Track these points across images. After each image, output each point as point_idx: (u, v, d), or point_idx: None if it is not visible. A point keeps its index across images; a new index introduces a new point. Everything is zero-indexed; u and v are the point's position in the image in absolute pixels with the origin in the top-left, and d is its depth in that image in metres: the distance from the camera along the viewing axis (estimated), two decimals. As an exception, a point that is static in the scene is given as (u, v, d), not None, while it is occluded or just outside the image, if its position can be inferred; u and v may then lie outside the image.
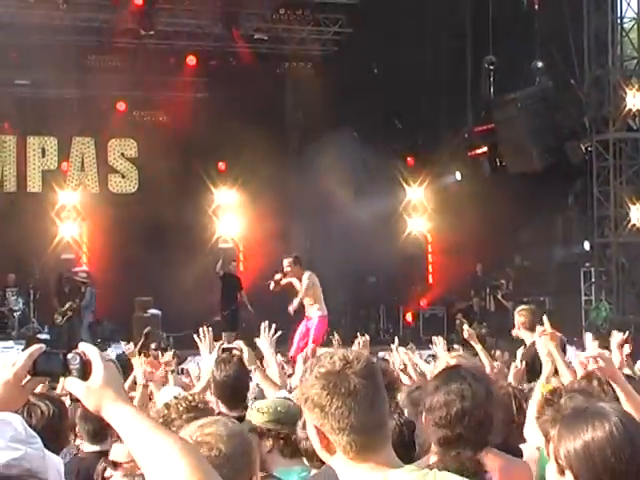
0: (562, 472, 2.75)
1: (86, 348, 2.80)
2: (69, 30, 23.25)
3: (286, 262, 16.80)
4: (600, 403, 2.86)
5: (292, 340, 16.59)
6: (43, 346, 2.85)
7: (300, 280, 16.68)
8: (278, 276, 16.98)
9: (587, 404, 2.83)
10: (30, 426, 2.94)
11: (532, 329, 10.09)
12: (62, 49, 23.30)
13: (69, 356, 2.77)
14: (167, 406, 5.28)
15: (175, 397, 5.13)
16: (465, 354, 6.64)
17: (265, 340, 8.03)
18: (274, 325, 8.33)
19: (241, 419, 5.89)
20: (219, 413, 6.49)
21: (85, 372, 2.75)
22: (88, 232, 25.86)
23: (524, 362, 8.42)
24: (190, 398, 5.33)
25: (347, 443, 2.94)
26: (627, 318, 22.97)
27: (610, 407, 2.82)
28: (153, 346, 18.01)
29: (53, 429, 5.10)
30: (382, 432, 3.00)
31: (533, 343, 10.21)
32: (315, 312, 16.49)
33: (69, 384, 2.77)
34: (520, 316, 10.55)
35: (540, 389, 5.52)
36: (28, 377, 2.85)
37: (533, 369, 8.98)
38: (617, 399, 4.79)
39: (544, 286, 25.95)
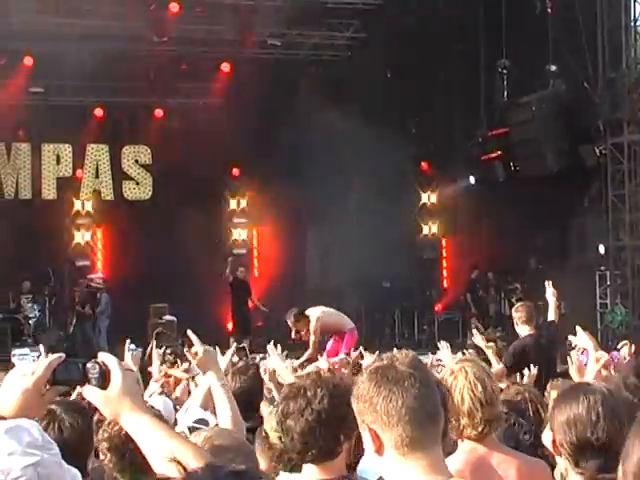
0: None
1: (105, 357, 2.82)
2: (82, 37, 23.28)
3: (290, 323, 15.85)
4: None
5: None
6: (63, 355, 2.87)
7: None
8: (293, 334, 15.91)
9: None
10: (60, 440, 2.95)
11: (528, 323, 10.51)
12: (75, 56, 23.38)
13: (88, 365, 2.79)
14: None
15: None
16: (470, 358, 6.59)
17: (276, 358, 7.92)
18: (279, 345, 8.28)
19: (254, 430, 5.90)
20: (201, 420, 6.52)
21: (104, 381, 2.77)
22: (103, 239, 25.94)
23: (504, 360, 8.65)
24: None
25: (398, 436, 2.90)
26: (643, 321, 22.95)
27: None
28: (169, 351, 18.04)
29: (80, 443, 5.09)
30: (435, 425, 2.95)
31: (526, 336, 10.59)
32: (347, 326, 15.89)
33: (87, 393, 2.80)
34: (517, 312, 11.13)
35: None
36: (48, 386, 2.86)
37: (522, 359, 9.72)
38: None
39: (559, 290, 25.81)
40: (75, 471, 2.93)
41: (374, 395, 2.93)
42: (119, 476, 4.61)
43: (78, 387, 2.87)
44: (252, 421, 6.28)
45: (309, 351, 14.61)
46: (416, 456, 2.90)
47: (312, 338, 14.91)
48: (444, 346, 9.66)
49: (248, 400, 6.52)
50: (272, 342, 8.18)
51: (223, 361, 7.29)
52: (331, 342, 15.31)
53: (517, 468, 4.59)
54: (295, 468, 4.19)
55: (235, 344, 8.30)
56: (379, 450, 2.94)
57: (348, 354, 13.42)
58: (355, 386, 3.02)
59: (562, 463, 3.74)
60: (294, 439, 3.86)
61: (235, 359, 8.09)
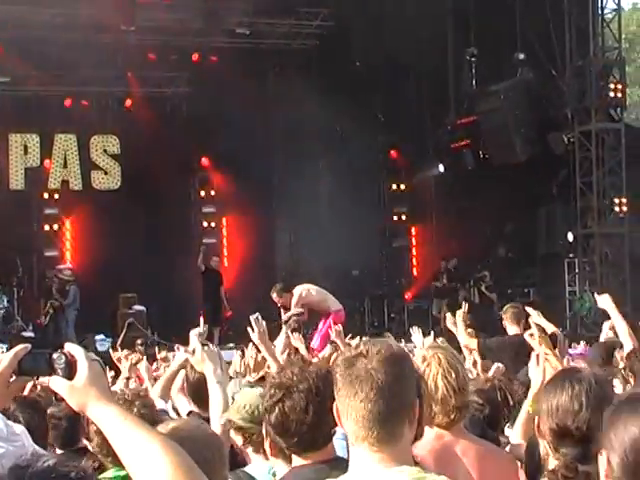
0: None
1: (72, 348, 2.80)
2: (49, 26, 23.13)
3: (275, 297, 16.15)
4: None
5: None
6: (29, 346, 2.85)
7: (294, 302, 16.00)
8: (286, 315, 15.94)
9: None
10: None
11: (518, 324, 10.71)
12: (43, 45, 23.24)
13: (54, 356, 2.78)
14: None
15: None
16: (441, 345, 6.61)
17: (257, 337, 7.83)
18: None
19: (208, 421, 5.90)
20: (191, 412, 6.51)
21: (70, 371, 2.76)
22: (71, 229, 25.80)
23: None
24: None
25: (349, 428, 3.04)
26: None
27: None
28: (139, 341, 18.05)
29: (37, 436, 5.09)
30: (386, 425, 3.01)
31: (515, 335, 10.72)
32: (332, 307, 16.09)
33: (54, 383, 2.78)
34: (505, 313, 11.18)
35: (527, 407, 5.44)
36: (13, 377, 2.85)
37: (517, 358, 9.50)
38: None
39: (528, 277, 26.02)
40: None
41: (339, 387, 3.07)
42: (104, 460, 4.60)
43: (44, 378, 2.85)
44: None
45: (292, 311, 15.24)
46: (362, 448, 3.02)
47: (293, 301, 15.53)
48: (416, 331, 9.75)
49: (207, 390, 6.50)
50: (257, 314, 8.10)
51: (183, 356, 7.28)
52: (320, 325, 15.51)
53: (482, 456, 4.60)
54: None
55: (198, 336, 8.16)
56: (342, 426, 3.11)
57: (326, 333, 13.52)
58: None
59: (542, 447, 3.77)
60: (300, 436, 3.92)
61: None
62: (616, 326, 7.71)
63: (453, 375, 4.57)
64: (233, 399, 5.28)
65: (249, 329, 7.75)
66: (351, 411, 3.01)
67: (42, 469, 1.93)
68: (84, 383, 2.75)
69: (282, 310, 15.85)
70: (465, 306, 11.24)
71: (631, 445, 2.53)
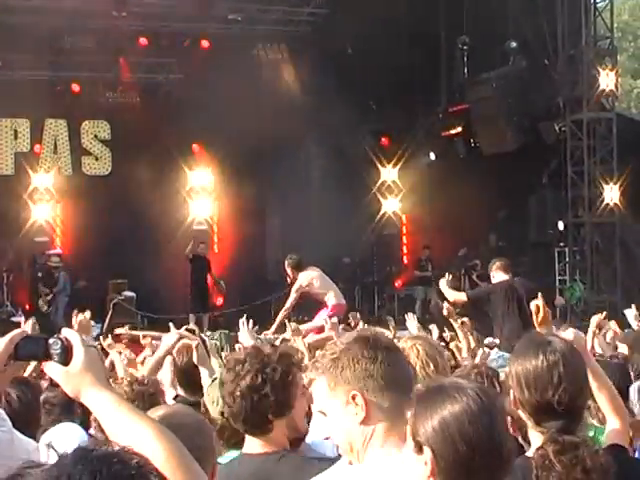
0: (420, 449, 2.75)
1: (68, 333, 2.80)
2: (40, 11, 23.04)
3: (286, 266, 16.49)
4: (456, 379, 2.88)
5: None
6: (25, 330, 2.84)
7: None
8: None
9: (442, 381, 2.88)
10: (10, 412, 2.92)
11: (506, 272, 11.15)
12: (33, 30, 23.15)
13: (50, 341, 2.77)
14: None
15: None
16: (421, 335, 6.61)
17: (246, 334, 7.96)
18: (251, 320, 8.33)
19: (198, 404, 5.94)
20: (177, 396, 6.53)
21: (66, 357, 2.76)
22: (62, 215, 25.74)
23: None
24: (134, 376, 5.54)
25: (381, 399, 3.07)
26: (601, 298, 23.15)
27: (466, 382, 2.83)
28: (127, 326, 18.01)
29: (28, 414, 5.10)
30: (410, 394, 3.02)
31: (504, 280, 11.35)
32: (330, 301, 16.18)
33: (49, 368, 2.78)
34: (494, 265, 12.05)
35: None
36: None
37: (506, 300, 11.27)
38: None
39: (519, 266, 25.99)
40: (30, 442, 2.91)
41: (364, 361, 3.09)
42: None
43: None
44: (197, 395, 6.30)
45: (284, 310, 15.75)
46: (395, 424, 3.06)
47: (290, 296, 15.92)
48: (411, 317, 9.78)
49: (194, 375, 6.52)
50: (244, 316, 8.21)
51: (170, 341, 7.28)
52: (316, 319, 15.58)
53: None
54: (238, 444, 4.26)
55: (185, 327, 8.22)
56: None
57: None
58: (340, 355, 3.14)
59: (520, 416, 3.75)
60: (233, 410, 4.04)
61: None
62: None
63: (432, 366, 4.56)
64: (212, 382, 5.32)
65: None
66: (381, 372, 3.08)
67: (106, 453, 1.97)
68: (79, 369, 2.75)
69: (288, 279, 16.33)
70: (448, 275, 11.58)
71: (457, 427, 2.66)
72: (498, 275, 11.84)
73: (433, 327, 10.37)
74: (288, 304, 15.93)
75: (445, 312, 10.22)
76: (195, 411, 4.51)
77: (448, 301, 11.60)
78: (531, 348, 3.68)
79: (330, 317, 13.89)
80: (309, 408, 4.68)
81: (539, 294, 6.61)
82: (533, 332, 4.66)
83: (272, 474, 3.93)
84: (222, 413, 4.46)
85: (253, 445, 4.06)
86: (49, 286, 23.37)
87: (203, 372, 5.89)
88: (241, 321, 8.17)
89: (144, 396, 5.32)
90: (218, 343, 9.25)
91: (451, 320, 9.89)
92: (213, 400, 4.81)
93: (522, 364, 3.61)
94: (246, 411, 4.00)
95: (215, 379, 5.03)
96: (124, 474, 1.96)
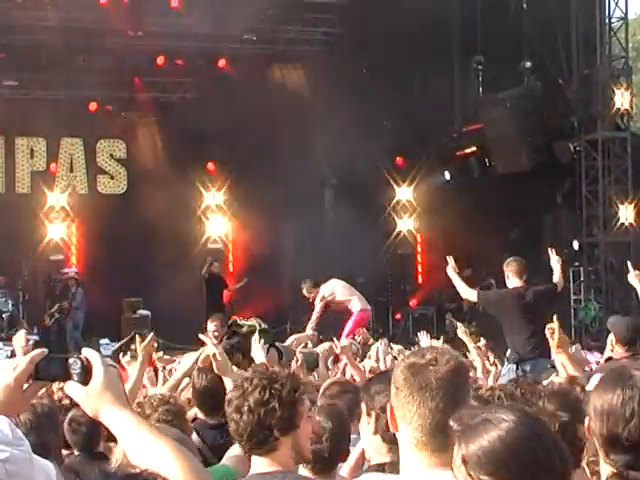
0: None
1: (88, 353, 2.82)
2: (57, 30, 23.17)
3: (305, 292, 16.61)
4: (498, 408, 2.83)
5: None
6: (45, 350, 2.86)
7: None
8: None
9: (483, 411, 2.85)
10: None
11: (520, 278, 11.06)
12: (50, 50, 23.29)
13: (70, 360, 2.79)
14: (140, 404, 5.45)
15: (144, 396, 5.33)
16: (439, 346, 6.62)
17: (258, 350, 7.91)
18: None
19: (219, 426, 5.93)
20: (196, 419, 6.52)
21: (86, 377, 2.77)
22: (77, 233, 25.80)
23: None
24: (161, 395, 5.56)
25: (409, 434, 3.07)
26: (616, 317, 23.05)
27: (507, 410, 2.76)
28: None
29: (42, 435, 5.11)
30: (445, 437, 2.95)
31: (512, 288, 11.41)
32: (355, 307, 16.27)
33: (69, 388, 2.80)
34: (507, 265, 11.82)
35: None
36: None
37: (515, 311, 11.23)
38: None
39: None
40: (48, 464, 2.92)
41: (401, 388, 3.09)
42: None
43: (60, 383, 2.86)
44: (217, 418, 6.28)
45: (310, 323, 15.60)
46: (422, 455, 3.07)
47: (316, 309, 15.94)
48: (424, 334, 9.81)
49: (213, 397, 6.50)
50: (257, 332, 8.19)
51: (188, 363, 7.30)
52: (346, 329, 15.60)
53: None
54: None
55: (203, 348, 8.23)
56: (394, 425, 3.13)
57: (353, 336, 13.61)
58: (395, 367, 3.20)
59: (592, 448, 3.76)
60: (239, 429, 4.06)
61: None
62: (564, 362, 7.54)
63: None
64: None
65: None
66: (417, 418, 3.04)
67: (129, 475, 2.01)
68: (99, 388, 2.77)
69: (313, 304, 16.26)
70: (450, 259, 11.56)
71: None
72: (512, 279, 11.70)
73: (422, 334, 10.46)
74: (314, 317, 15.93)
75: (460, 332, 10.21)
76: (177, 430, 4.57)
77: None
78: (611, 380, 3.67)
79: (354, 329, 14.04)
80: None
81: (554, 317, 6.63)
82: (619, 364, 4.69)
83: None
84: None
85: (259, 464, 4.06)
86: (64, 302, 23.37)
87: (227, 382, 5.88)
88: (253, 338, 8.17)
89: (173, 413, 5.35)
90: (256, 324, 9.30)
91: (465, 340, 9.88)
92: None
93: (600, 395, 3.58)
94: (252, 426, 4.02)
95: None
96: None
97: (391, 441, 3.77)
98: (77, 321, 23.29)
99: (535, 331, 10.86)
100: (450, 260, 12.21)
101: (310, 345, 11.99)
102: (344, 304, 16.14)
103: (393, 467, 3.72)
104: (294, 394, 4.06)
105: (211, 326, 11.67)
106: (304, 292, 16.45)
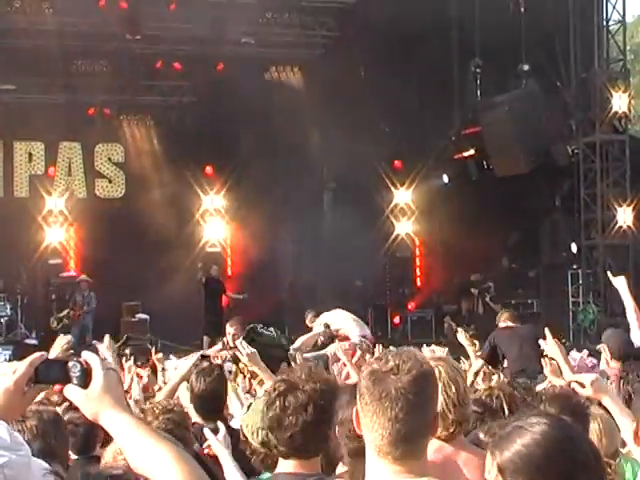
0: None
1: (88, 356, 2.82)
2: (55, 34, 23.18)
3: (308, 322, 16.53)
4: (528, 415, 2.81)
5: None
6: (45, 354, 2.86)
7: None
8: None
9: (514, 419, 2.83)
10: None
11: (514, 321, 11.21)
12: (48, 53, 23.29)
13: (70, 364, 2.79)
14: (143, 410, 5.44)
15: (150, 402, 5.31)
16: (442, 357, 6.61)
17: (247, 360, 7.82)
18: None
19: (215, 431, 5.92)
20: (194, 423, 6.52)
21: (86, 380, 2.77)
22: (75, 237, 25.78)
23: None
24: (165, 402, 5.54)
25: (371, 441, 3.01)
26: (615, 320, 23.05)
27: (538, 415, 2.77)
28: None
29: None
30: (409, 443, 3.00)
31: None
32: (353, 333, 16.08)
33: (68, 392, 2.80)
34: (502, 315, 12.36)
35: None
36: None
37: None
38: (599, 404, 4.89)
39: (532, 288, 26.00)
40: (44, 466, 2.92)
41: (363, 395, 3.03)
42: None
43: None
44: (214, 422, 6.28)
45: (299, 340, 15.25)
46: (385, 462, 3.01)
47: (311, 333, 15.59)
48: (461, 331, 9.87)
49: (212, 402, 6.50)
50: (241, 339, 8.18)
51: (185, 368, 7.31)
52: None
53: (483, 468, 4.58)
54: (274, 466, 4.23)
55: (200, 353, 8.26)
56: (360, 430, 3.06)
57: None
58: (362, 373, 3.12)
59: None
60: (293, 435, 3.91)
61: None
62: (627, 308, 7.72)
63: (453, 389, 4.53)
64: (248, 408, 5.30)
65: (238, 354, 7.80)
66: (377, 427, 2.97)
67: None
68: (98, 391, 2.76)
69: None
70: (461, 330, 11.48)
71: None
72: (504, 324, 12.02)
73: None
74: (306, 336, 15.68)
75: (460, 337, 10.22)
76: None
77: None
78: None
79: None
80: None
81: (548, 345, 6.67)
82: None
83: None
84: (263, 443, 4.44)
85: (288, 465, 4.00)
86: (63, 307, 23.34)
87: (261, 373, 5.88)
88: (237, 343, 8.12)
89: (177, 425, 5.35)
90: (275, 334, 9.26)
91: (465, 345, 9.90)
92: (253, 431, 4.78)
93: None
94: (307, 432, 3.91)
95: (249, 406, 5.02)
96: None
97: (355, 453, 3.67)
98: (88, 324, 23.18)
99: (528, 361, 10.94)
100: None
101: (322, 339, 12.02)
102: (343, 333, 15.96)
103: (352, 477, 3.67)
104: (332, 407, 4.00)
105: (230, 329, 11.64)
106: (307, 322, 16.32)
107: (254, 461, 4.85)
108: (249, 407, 5.24)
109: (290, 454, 3.96)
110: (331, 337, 12.64)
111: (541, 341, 7.12)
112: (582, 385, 5.19)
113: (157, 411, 5.55)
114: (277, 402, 3.97)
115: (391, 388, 2.97)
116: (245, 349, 7.45)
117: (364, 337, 15.63)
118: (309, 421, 3.89)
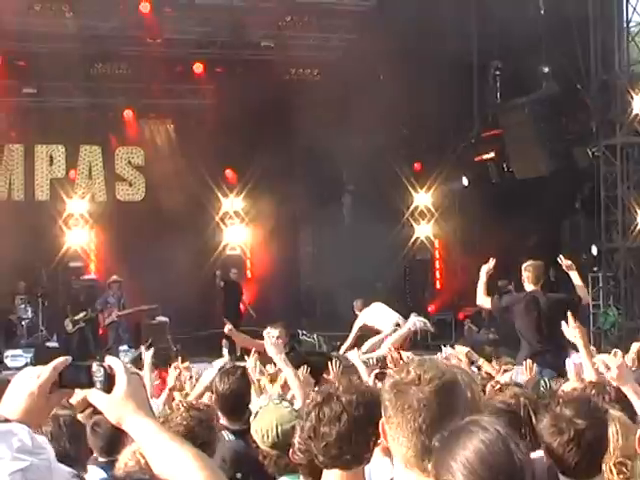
0: None
1: (111, 361, 2.83)
2: (76, 38, 23.27)
3: (355, 310, 16.79)
4: (479, 417, 2.78)
5: None
6: (69, 358, 2.87)
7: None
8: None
9: (466, 421, 2.81)
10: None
11: (536, 283, 11.08)
12: (69, 57, 23.38)
13: (93, 368, 2.80)
14: (171, 407, 5.48)
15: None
16: (456, 364, 6.58)
17: (271, 347, 7.86)
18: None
19: (242, 432, 5.91)
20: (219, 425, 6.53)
21: (109, 384, 2.79)
22: (96, 240, 25.87)
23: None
24: (193, 401, 5.57)
25: (398, 452, 2.97)
26: (635, 323, 22.99)
27: (487, 421, 2.73)
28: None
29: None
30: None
31: (526, 293, 11.56)
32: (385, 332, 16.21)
33: (92, 396, 2.81)
34: (526, 271, 11.97)
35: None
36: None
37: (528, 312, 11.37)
38: (620, 407, 4.87)
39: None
40: (65, 470, 2.93)
41: (387, 407, 2.99)
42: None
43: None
44: (240, 423, 6.28)
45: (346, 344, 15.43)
46: (413, 473, 2.96)
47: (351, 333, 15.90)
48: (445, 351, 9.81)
49: (236, 402, 6.50)
50: (267, 329, 8.18)
51: (209, 377, 7.32)
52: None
53: None
54: (293, 469, 4.22)
55: (225, 361, 8.27)
56: (386, 441, 3.02)
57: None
58: (384, 384, 3.09)
59: None
60: (328, 444, 3.87)
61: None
62: (583, 362, 7.20)
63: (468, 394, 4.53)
64: (257, 414, 5.31)
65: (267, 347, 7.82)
66: (402, 439, 2.93)
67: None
68: (122, 396, 2.78)
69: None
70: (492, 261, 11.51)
71: (479, 460, 2.58)
72: (527, 285, 11.92)
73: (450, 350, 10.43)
74: (348, 341, 15.88)
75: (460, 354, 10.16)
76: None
77: None
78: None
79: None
80: None
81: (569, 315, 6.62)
82: None
83: None
84: (274, 444, 4.43)
85: (331, 476, 3.94)
86: (79, 309, 23.36)
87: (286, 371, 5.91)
88: (265, 333, 8.13)
89: (201, 422, 5.35)
90: (316, 341, 9.28)
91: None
92: (263, 434, 4.79)
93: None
94: (356, 443, 3.86)
95: (257, 413, 5.03)
96: None
97: None
98: (121, 327, 23.22)
99: (544, 338, 10.96)
100: (490, 262, 12.19)
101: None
102: (373, 328, 16.11)
103: None
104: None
105: (274, 332, 11.56)
106: (355, 310, 16.59)
107: (267, 465, 4.86)
108: (256, 414, 5.25)
109: (328, 463, 3.93)
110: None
111: (563, 324, 7.10)
112: (608, 367, 5.19)
113: (182, 407, 5.56)
114: (312, 413, 3.95)
115: (413, 400, 2.92)
116: (271, 338, 7.53)
117: (398, 325, 15.79)
118: (343, 432, 3.87)
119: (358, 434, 3.84)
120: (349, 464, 3.90)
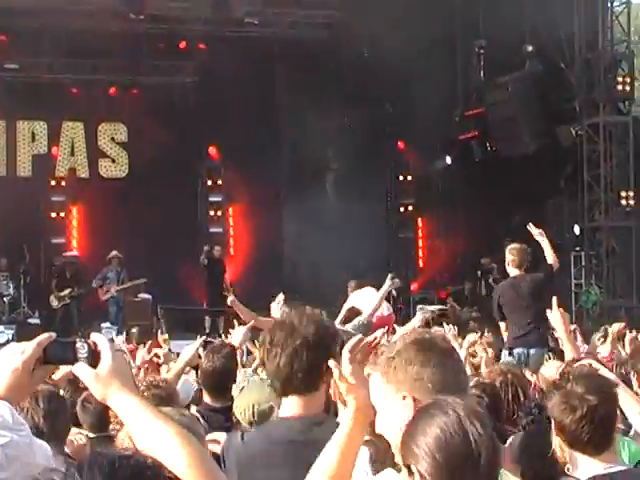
0: (410, 472, 2.73)
1: (96, 337, 2.82)
2: (58, 14, 23.14)
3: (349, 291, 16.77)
4: (443, 398, 2.84)
5: None
6: (53, 334, 2.86)
7: None
8: None
9: (430, 403, 2.86)
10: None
11: (519, 267, 11.15)
12: (51, 33, 23.25)
13: (77, 344, 2.80)
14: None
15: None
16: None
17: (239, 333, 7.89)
18: None
19: (224, 410, 5.90)
20: (202, 402, 6.52)
21: (93, 361, 2.78)
22: (78, 217, 25.82)
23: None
24: (151, 379, 5.56)
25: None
26: (617, 302, 23.09)
27: (449, 402, 2.79)
28: (134, 330, 17.77)
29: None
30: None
31: (508, 279, 11.14)
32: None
33: (78, 369, 2.80)
34: (510, 254, 12.07)
35: None
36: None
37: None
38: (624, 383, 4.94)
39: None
40: (46, 447, 2.93)
41: (422, 362, 3.19)
42: None
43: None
44: (223, 401, 6.28)
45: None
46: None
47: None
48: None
49: (220, 380, 6.49)
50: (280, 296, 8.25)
51: (188, 353, 7.32)
52: None
53: None
54: None
55: (203, 337, 8.28)
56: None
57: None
58: (393, 350, 3.22)
59: None
60: (280, 365, 3.93)
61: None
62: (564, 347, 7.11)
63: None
64: (240, 391, 5.30)
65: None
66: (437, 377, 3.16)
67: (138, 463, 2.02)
68: (107, 372, 2.77)
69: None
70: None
71: (436, 446, 2.67)
72: (511, 269, 12.06)
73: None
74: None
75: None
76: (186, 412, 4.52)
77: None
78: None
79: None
80: None
81: (554, 299, 6.64)
82: None
83: (313, 439, 3.70)
84: (251, 423, 4.42)
85: (288, 405, 3.99)
86: (64, 286, 23.25)
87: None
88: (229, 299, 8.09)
89: (162, 399, 5.35)
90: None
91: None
92: (244, 409, 4.78)
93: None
94: (307, 364, 3.93)
95: (242, 389, 5.04)
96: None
97: None
98: (120, 302, 23.08)
99: (530, 320, 11.07)
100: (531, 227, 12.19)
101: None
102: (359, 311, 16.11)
103: None
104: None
105: (281, 296, 11.06)
106: (349, 291, 16.63)
107: None
108: (241, 390, 5.25)
109: (285, 389, 3.97)
110: None
111: (548, 311, 7.13)
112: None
113: (142, 386, 5.56)
114: (267, 338, 4.04)
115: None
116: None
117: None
118: (295, 353, 3.91)
119: (309, 352, 3.89)
120: (300, 387, 3.93)
